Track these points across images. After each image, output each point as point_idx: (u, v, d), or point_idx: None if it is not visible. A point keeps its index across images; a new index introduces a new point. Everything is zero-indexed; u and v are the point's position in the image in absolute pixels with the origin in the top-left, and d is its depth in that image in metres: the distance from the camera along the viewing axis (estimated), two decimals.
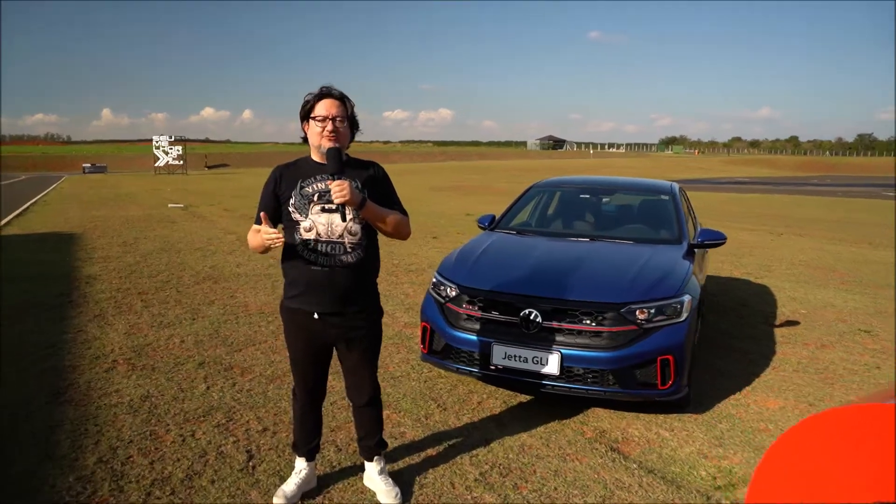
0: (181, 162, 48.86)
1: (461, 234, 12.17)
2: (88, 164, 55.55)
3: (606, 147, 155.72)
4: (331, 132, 2.45)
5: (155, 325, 5.52)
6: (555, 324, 3.50)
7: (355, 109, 2.56)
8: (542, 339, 3.50)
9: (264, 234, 2.33)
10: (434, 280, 4.09)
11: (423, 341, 3.96)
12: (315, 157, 2.57)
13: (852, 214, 19.08)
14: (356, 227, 2.50)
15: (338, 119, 2.48)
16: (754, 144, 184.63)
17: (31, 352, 4.71)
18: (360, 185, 2.52)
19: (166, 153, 49.23)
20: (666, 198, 5.13)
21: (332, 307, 2.52)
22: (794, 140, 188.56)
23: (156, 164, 48.70)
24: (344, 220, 2.43)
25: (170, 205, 18.55)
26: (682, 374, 3.52)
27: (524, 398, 4.01)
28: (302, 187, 2.51)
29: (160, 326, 5.50)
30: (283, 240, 2.35)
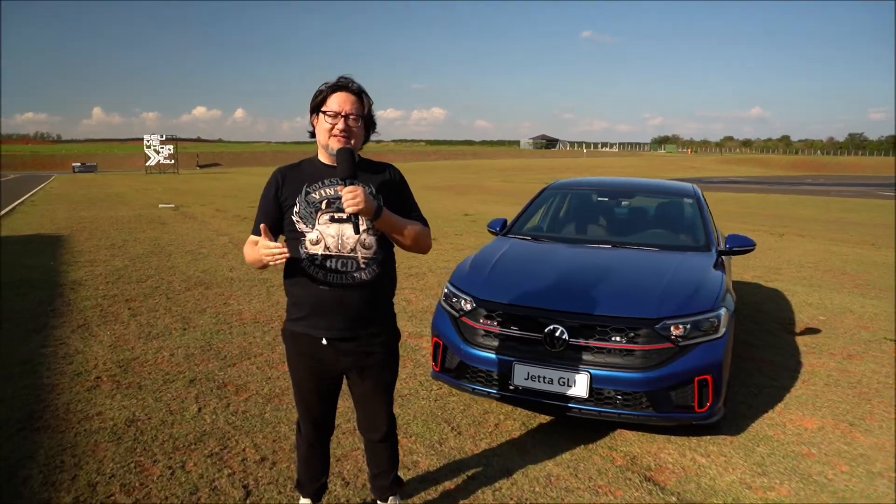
0: (172, 161, 48.50)
1: (459, 236, 11.86)
2: (78, 164, 55.02)
3: (600, 146, 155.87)
4: (342, 131, 2.13)
5: (143, 337, 5.17)
6: (582, 341, 3.18)
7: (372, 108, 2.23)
8: (569, 358, 3.18)
9: (263, 250, 2.00)
10: (446, 291, 3.76)
11: (434, 358, 3.64)
12: (323, 157, 2.24)
13: (849, 214, 18.95)
14: (370, 240, 2.18)
15: (351, 117, 2.14)
16: (746, 144, 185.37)
17: (6, 368, 4.35)
18: (374, 191, 2.20)
19: (157, 152, 48.88)
20: (690, 201, 4.82)
21: (344, 331, 2.19)
22: (785, 139, 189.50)
23: (147, 164, 48.34)
24: (357, 232, 2.11)
25: (160, 205, 18.17)
26: (720, 396, 3.22)
27: (544, 419, 3.70)
28: (308, 193, 2.17)
29: (148, 338, 5.15)
30: (286, 255, 2.01)
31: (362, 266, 2.16)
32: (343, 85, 2.17)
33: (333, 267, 2.14)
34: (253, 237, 2.19)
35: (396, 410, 3.72)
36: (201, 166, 63.91)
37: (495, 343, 3.37)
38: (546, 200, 5.21)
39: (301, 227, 2.15)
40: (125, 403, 3.77)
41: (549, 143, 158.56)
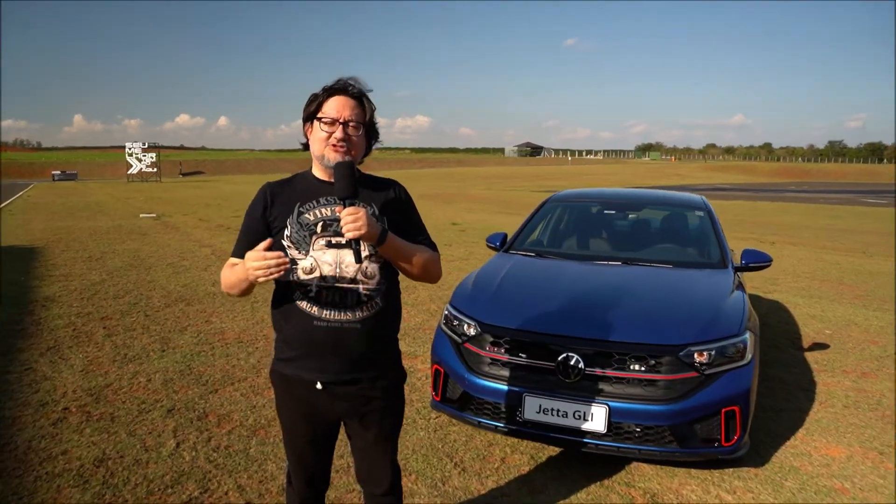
0: (155, 169, 47.84)
1: (449, 247, 11.59)
2: (58, 172, 54.05)
3: (584, 154, 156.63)
4: (340, 141, 1.84)
5: (118, 360, 4.83)
6: (599, 371, 2.91)
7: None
8: (585, 390, 2.91)
9: (253, 262, 1.66)
10: (447, 313, 3.48)
11: (434, 387, 3.35)
12: (317, 172, 1.94)
13: (837, 221, 18.97)
14: (373, 268, 1.88)
15: (351, 124, 1.85)
16: (729, 151, 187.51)
17: None
18: (377, 212, 1.91)
19: (139, 160, 48.22)
20: (700, 213, 4.58)
21: (342, 374, 1.89)
22: (767, 147, 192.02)
23: (129, 172, 47.64)
24: (359, 260, 1.80)
25: (141, 214, 17.73)
26: (747, 428, 2.97)
27: (553, 451, 3.42)
28: (301, 214, 1.87)
29: (124, 361, 4.80)
30: (287, 265, 1.68)
31: (363, 299, 1.87)
32: (341, 88, 1.88)
33: (330, 300, 1.84)
34: (233, 259, 1.89)
35: None
36: (184, 174, 63.11)
37: (503, 372, 3.09)
38: (548, 213, 4.94)
39: (293, 253, 1.85)
40: (95, 439, 3.43)
41: (534, 150, 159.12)
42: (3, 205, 22.22)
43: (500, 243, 4.53)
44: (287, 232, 1.86)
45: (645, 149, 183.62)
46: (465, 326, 3.27)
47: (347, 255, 1.83)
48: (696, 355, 2.91)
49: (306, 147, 1.95)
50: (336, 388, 1.90)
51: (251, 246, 1.75)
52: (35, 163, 73.32)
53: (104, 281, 7.93)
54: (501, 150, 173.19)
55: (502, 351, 3.11)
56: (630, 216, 4.92)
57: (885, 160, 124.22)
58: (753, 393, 3.00)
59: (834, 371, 4.95)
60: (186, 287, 7.62)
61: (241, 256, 1.80)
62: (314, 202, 1.88)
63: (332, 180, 1.82)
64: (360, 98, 1.90)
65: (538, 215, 4.84)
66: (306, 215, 1.87)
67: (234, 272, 1.83)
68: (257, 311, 6.46)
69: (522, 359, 3.05)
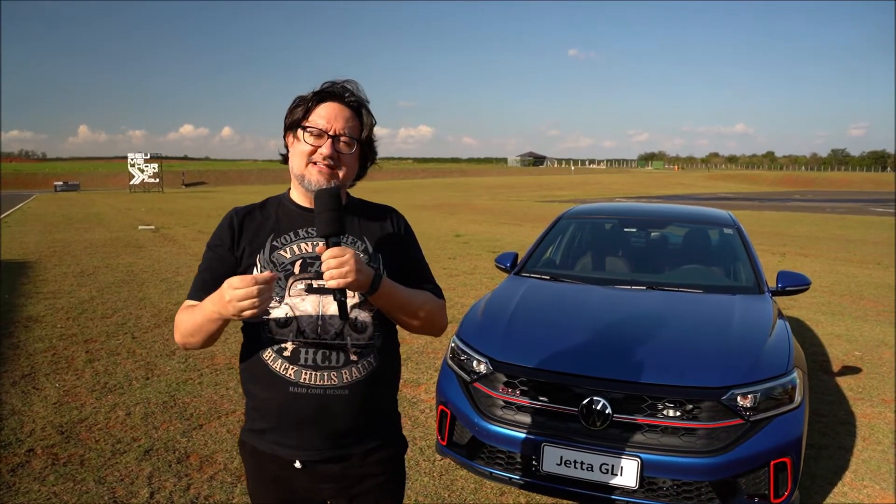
0: (157, 180, 47.81)
1: (453, 260, 11.24)
2: (60, 182, 53.99)
3: (587, 163, 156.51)
4: (327, 158, 1.48)
5: (97, 389, 4.46)
6: (629, 417, 2.53)
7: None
8: (613, 439, 2.53)
9: (233, 292, 1.26)
10: (453, 346, 3.10)
11: (440, 430, 2.98)
12: (297, 195, 1.58)
13: (847, 231, 18.56)
14: (364, 317, 1.51)
15: (343, 139, 1.50)
16: (732, 160, 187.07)
17: None
18: (370, 249, 1.55)
19: (142, 171, 48.23)
20: (730, 231, 4.20)
21: (326, 451, 1.50)
22: (770, 155, 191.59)
23: (131, 182, 47.64)
24: (344, 317, 1.43)
25: (140, 226, 17.46)
26: (798, 479, 2.58)
27: (572, 503, 3.04)
28: (274, 249, 1.51)
29: (103, 391, 4.44)
30: (273, 282, 1.31)
31: (353, 359, 1.49)
32: (336, 93, 1.51)
33: (310, 361, 1.46)
34: (189, 302, 1.51)
35: None
36: (187, 185, 63.02)
37: (518, 417, 2.70)
38: (562, 231, 4.55)
39: None
40: (57, 489, 3.05)
41: (537, 160, 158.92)
42: (2, 216, 21.94)
43: (511, 264, 4.15)
44: (257, 272, 1.49)
45: (648, 158, 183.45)
46: (475, 363, 2.89)
47: (333, 303, 1.45)
48: (739, 399, 2.53)
49: (286, 160, 1.59)
50: (319, 466, 1.52)
51: (215, 286, 1.37)
52: (39, 173, 73.36)
53: (93, 298, 7.60)
54: (504, 160, 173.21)
55: (517, 393, 2.73)
56: (652, 234, 4.53)
57: (888, 168, 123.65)
58: (804, 440, 2.62)
59: (873, 400, 4.57)
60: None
61: (200, 299, 1.44)
62: (291, 235, 1.52)
63: (314, 208, 1.45)
64: (358, 109, 1.54)
65: (552, 233, 4.45)
66: (281, 252, 1.50)
67: (197, 311, 1.42)
68: None
69: (541, 402, 2.67)
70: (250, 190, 48.36)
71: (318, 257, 1.47)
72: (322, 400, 1.46)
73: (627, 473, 2.48)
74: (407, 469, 3.33)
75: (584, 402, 2.56)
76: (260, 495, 1.60)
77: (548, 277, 3.90)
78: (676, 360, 2.72)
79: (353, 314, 1.49)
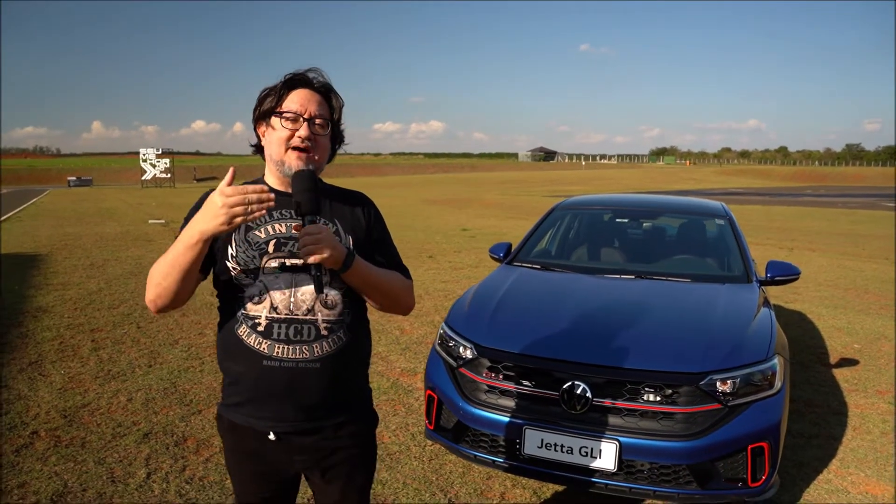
0: (169, 175, 48.11)
1: (458, 253, 11.30)
2: (73, 178, 54.58)
3: (598, 158, 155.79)
4: (304, 140, 1.55)
5: (101, 376, 4.57)
6: (609, 402, 2.58)
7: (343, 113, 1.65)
8: (593, 423, 2.59)
9: (227, 201, 1.33)
10: (441, 333, 3.17)
11: (428, 414, 3.04)
12: (272, 180, 1.64)
13: (858, 227, 18.40)
14: (335, 296, 1.58)
15: (318, 121, 1.58)
16: (744, 155, 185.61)
17: None
18: (341, 230, 1.61)
19: (153, 166, 48.54)
20: (721, 222, 4.23)
21: (299, 423, 1.58)
22: (783, 150, 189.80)
23: (143, 178, 48.00)
24: (319, 290, 1.50)
25: (150, 220, 17.66)
26: (776, 465, 2.63)
27: (558, 487, 3.10)
28: (249, 229, 1.58)
29: (107, 378, 4.55)
30: (270, 202, 1.37)
31: (324, 333, 1.55)
32: (305, 80, 1.59)
33: (283, 335, 1.53)
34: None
35: (384, 474, 3.14)
36: (199, 179, 63.45)
37: (502, 401, 2.76)
38: (556, 222, 4.60)
39: (239, 277, 1.56)
40: (58, 469, 3.15)
41: (548, 155, 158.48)
42: (15, 211, 22.26)
43: (504, 254, 4.21)
44: (232, 251, 1.56)
45: (659, 153, 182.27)
46: (461, 349, 2.95)
47: (304, 281, 1.53)
48: (718, 384, 2.57)
49: (257, 150, 1.66)
50: (293, 438, 1.59)
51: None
52: (53, 169, 74.16)
53: (102, 290, 7.73)
54: (515, 155, 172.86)
55: (501, 377, 2.79)
56: (644, 224, 4.57)
57: None
58: (784, 426, 2.66)
59: (867, 391, 4.58)
60: None
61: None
62: (266, 216, 1.58)
63: (290, 190, 1.52)
64: (326, 93, 1.62)
65: (545, 224, 4.51)
66: (256, 232, 1.57)
67: (172, 248, 1.43)
68: None
69: (523, 387, 2.73)
70: None
71: (291, 237, 1.54)
72: (294, 373, 1.53)
73: (606, 456, 2.53)
74: (398, 454, 3.42)
75: (565, 386, 2.62)
76: (237, 469, 1.67)
77: (538, 267, 3.96)
78: (657, 346, 2.77)
79: (325, 291, 1.55)
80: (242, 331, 1.55)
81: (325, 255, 1.42)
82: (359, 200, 1.71)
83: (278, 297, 1.54)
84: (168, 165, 48.48)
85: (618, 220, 4.57)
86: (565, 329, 2.92)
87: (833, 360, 5.40)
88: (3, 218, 19.02)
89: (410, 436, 3.64)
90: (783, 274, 3.66)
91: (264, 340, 1.53)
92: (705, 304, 3.18)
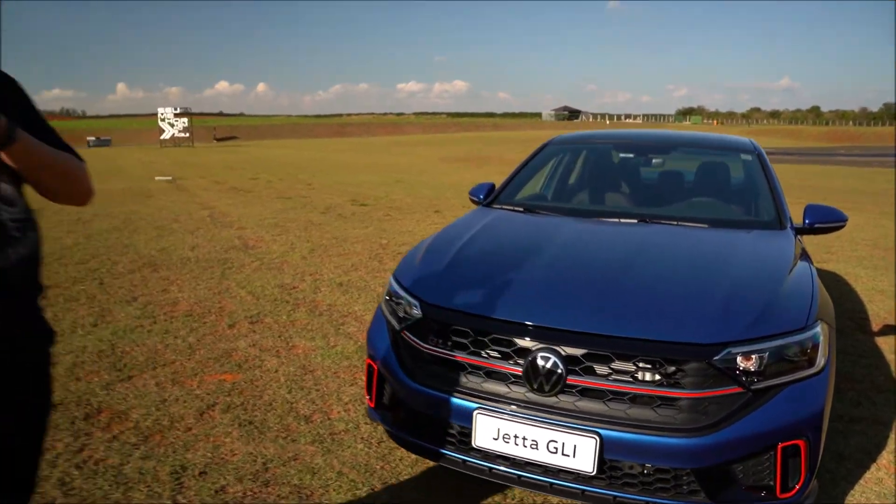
0: (187, 134, 47.85)
1: (466, 209, 10.62)
2: (93, 138, 54.81)
3: (623, 118, 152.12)
4: None
5: None
6: (588, 380, 1.92)
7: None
8: (567, 409, 1.92)
9: None
10: (388, 288, 2.51)
11: (368, 389, 2.42)
12: None
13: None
14: (11, 191, 1.29)
15: None
16: (774, 115, 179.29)
17: None
18: None
19: (172, 125, 48.32)
20: (748, 157, 3.45)
21: None
22: (815, 110, 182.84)
23: (161, 137, 47.76)
24: None
25: (157, 177, 17.29)
26: (815, 467, 1.96)
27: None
28: None
29: None
30: None
31: (15, 235, 1.28)
32: None
33: None
34: None
35: (318, 460, 2.56)
36: (218, 139, 63.19)
37: (448, 376, 2.11)
38: (548, 159, 3.86)
39: None
40: None
41: (572, 114, 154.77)
42: None
43: (485, 195, 3.52)
44: None
45: (686, 112, 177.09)
46: (406, 307, 2.30)
47: None
48: (739, 360, 1.88)
49: None
50: None
51: None
52: (77, 130, 74.48)
53: (77, 245, 7.27)
54: (539, 115, 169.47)
55: (449, 345, 2.13)
56: (654, 161, 3.79)
57: None
58: (826, 417, 1.98)
59: None
60: (162, 251, 6.93)
61: None
62: None
63: None
64: None
65: (535, 161, 3.75)
66: None
67: None
68: (227, 277, 5.69)
69: (476, 358, 2.07)
70: (281, 144, 48.16)
71: None
72: None
73: (582, 455, 1.87)
74: (342, 433, 2.82)
75: (530, 358, 1.95)
76: None
77: (521, 209, 3.25)
78: (657, 307, 2.05)
79: None
80: None
81: None
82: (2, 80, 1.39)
83: None
84: (186, 125, 48.11)
85: (622, 155, 3.80)
86: (537, 284, 2.24)
87: (875, 326, 4.72)
88: None
89: (363, 413, 3.04)
90: (826, 220, 2.92)
91: None
92: (726, 254, 2.44)
